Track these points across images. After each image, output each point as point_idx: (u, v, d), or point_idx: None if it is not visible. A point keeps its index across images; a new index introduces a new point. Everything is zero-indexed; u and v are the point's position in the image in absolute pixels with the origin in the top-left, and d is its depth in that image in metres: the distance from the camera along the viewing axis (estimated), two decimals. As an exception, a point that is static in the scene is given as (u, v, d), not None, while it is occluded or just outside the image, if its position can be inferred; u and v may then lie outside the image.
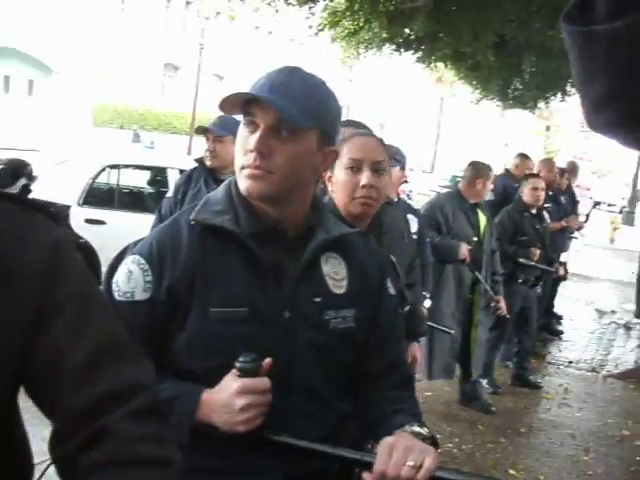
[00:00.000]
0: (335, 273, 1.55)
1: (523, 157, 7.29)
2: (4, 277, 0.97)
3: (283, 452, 1.42)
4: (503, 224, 5.64)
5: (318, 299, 1.50)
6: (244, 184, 1.44)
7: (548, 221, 5.96)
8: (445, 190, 15.17)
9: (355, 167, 2.12)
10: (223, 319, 1.42)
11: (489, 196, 7.56)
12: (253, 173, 1.42)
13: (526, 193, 5.68)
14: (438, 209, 4.87)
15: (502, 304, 5.04)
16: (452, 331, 4.54)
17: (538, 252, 5.64)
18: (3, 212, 1.02)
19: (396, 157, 3.77)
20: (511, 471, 4.30)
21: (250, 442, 1.39)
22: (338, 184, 2.17)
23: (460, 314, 4.84)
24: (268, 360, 1.38)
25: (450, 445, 4.59)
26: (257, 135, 1.41)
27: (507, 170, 7.46)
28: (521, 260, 5.57)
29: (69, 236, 1.10)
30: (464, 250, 4.67)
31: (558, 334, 7.97)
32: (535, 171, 6.72)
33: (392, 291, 1.69)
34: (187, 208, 1.57)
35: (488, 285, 4.91)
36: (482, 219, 4.93)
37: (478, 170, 4.92)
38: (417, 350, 3.18)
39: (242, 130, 1.45)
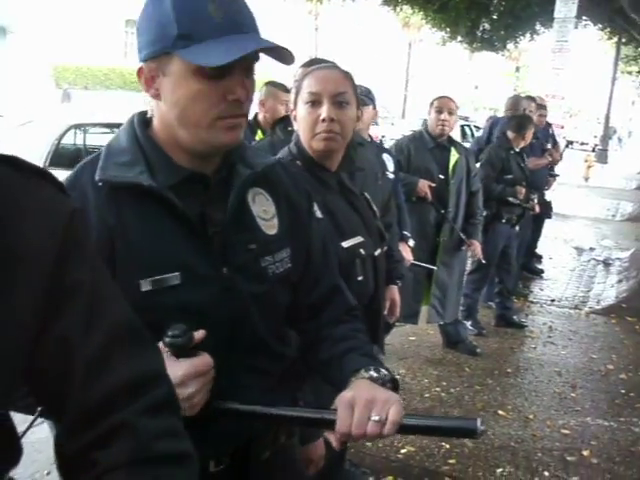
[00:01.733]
0: (265, 212, 1.42)
1: (529, 99, 7.19)
2: (5, 258, 0.80)
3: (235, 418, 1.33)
4: (491, 162, 5.58)
5: (253, 246, 1.37)
6: (228, 136, 1.27)
7: (526, 159, 5.90)
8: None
9: (315, 101, 1.98)
10: (155, 289, 1.25)
11: (480, 132, 7.44)
12: (238, 122, 1.28)
13: (528, 135, 5.63)
14: (399, 148, 4.74)
15: (477, 248, 4.90)
16: (435, 267, 4.43)
17: (524, 190, 5.58)
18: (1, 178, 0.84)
19: (368, 96, 3.68)
20: (500, 412, 4.27)
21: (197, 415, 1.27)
22: (300, 121, 2.05)
23: (424, 254, 4.62)
24: (200, 333, 1.24)
25: (438, 389, 4.56)
26: (235, 80, 1.24)
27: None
28: (510, 199, 5.50)
29: (81, 210, 0.94)
30: (422, 186, 4.56)
31: (539, 273, 7.96)
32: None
33: (319, 214, 1.58)
34: (86, 162, 1.32)
35: (458, 226, 4.76)
36: (453, 157, 4.71)
37: (434, 101, 4.71)
38: (396, 293, 3.08)
39: (197, 79, 1.22)
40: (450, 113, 4.60)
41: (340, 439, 1.26)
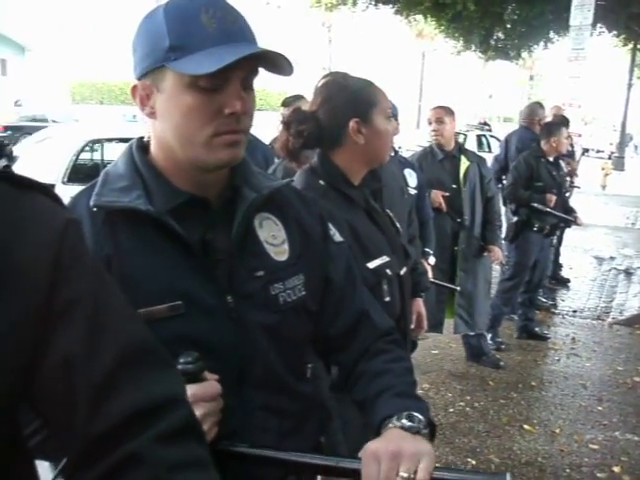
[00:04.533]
0: (273, 237, 1.33)
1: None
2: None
3: (244, 464, 1.22)
4: (518, 169, 5.56)
5: (261, 273, 1.28)
6: (227, 154, 1.20)
7: (565, 170, 5.84)
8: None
9: (391, 115, 2.10)
10: (155, 319, 1.17)
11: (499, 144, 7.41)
12: (237, 139, 1.20)
13: (556, 142, 5.54)
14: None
15: (497, 253, 4.83)
16: (458, 288, 4.40)
17: (554, 198, 5.50)
18: None
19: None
20: (526, 426, 4.20)
21: None
22: (379, 134, 2.04)
23: (444, 264, 4.59)
24: (214, 378, 1.18)
25: (462, 403, 4.50)
26: (231, 92, 1.16)
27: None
28: (535, 205, 5.44)
29: (77, 220, 0.89)
30: (435, 196, 4.55)
31: (566, 282, 7.91)
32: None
33: (338, 238, 1.48)
34: (84, 190, 1.27)
35: (477, 232, 4.74)
36: (463, 165, 4.68)
37: (431, 112, 4.72)
38: (421, 305, 3.03)
39: (191, 93, 1.16)
40: (439, 122, 4.60)
41: None
